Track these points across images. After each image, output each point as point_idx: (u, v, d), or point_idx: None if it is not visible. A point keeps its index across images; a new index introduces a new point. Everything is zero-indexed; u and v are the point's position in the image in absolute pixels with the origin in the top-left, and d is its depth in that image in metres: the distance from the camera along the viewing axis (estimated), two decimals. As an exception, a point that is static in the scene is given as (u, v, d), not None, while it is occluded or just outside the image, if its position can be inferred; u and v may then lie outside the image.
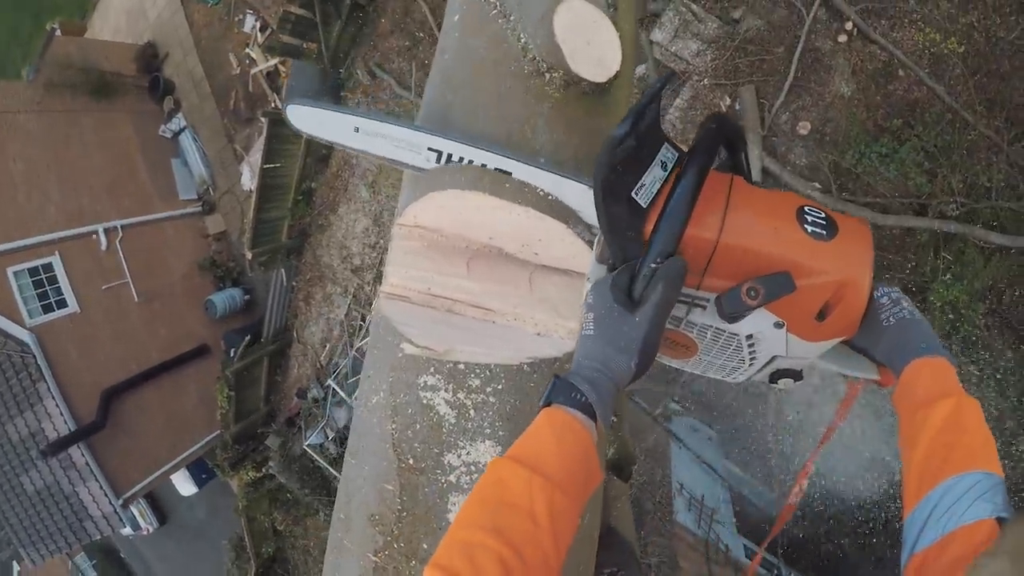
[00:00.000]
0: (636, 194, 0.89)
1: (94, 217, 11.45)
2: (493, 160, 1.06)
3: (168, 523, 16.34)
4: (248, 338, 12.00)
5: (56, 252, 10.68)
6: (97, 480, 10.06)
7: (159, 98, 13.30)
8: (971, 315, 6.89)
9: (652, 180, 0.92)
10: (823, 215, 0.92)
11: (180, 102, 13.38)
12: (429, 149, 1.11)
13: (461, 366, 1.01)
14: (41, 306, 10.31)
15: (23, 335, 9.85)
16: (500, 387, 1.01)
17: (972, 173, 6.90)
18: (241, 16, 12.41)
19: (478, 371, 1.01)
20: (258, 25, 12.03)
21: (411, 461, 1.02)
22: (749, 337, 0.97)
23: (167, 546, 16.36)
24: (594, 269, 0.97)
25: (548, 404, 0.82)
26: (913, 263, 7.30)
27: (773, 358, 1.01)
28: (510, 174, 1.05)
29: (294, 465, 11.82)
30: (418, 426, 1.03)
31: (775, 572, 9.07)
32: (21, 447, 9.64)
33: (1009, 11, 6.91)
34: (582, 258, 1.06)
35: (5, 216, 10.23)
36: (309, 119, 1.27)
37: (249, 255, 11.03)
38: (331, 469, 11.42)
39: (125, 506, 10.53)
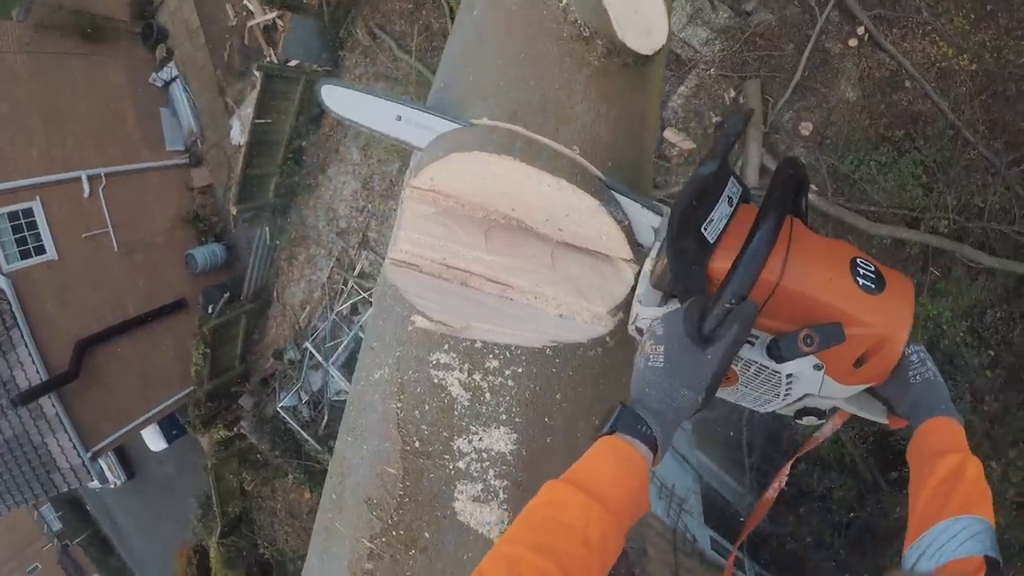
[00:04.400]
0: (705, 229, 0.93)
1: (78, 163, 11.12)
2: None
3: (136, 478, 16.21)
4: (227, 295, 11.84)
5: (37, 197, 10.36)
6: (67, 432, 9.88)
7: (151, 45, 12.91)
8: (953, 332, 6.97)
9: (720, 216, 0.95)
10: (873, 268, 0.96)
11: (173, 51, 13.01)
12: None
13: (479, 344, 0.94)
14: (19, 251, 10.00)
15: (-1, 280, 9.61)
16: (520, 371, 0.94)
17: (967, 192, 6.95)
18: (240, -35, 12.07)
19: (497, 352, 0.94)
20: (257, -24, 11.71)
21: (417, 444, 0.95)
22: (789, 376, 1.01)
23: (134, 501, 16.26)
24: (647, 293, 0.98)
25: (612, 431, 0.83)
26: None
27: (804, 395, 1.06)
28: (545, 142, 0.97)
29: (266, 426, 11.75)
30: (427, 407, 0.96)
31: (736, 565, 9.20)
32: (-9, 393, 9.43)
33: (1020, 34, 6.90)
34: (612, 240, 0.99)
35: (-12, 157, 9.92)
36: (345, 101, 1.22)
37: (234, 211, 10.85)
38: (303, 432, 11.37)
39: (94, 459, 10.38)
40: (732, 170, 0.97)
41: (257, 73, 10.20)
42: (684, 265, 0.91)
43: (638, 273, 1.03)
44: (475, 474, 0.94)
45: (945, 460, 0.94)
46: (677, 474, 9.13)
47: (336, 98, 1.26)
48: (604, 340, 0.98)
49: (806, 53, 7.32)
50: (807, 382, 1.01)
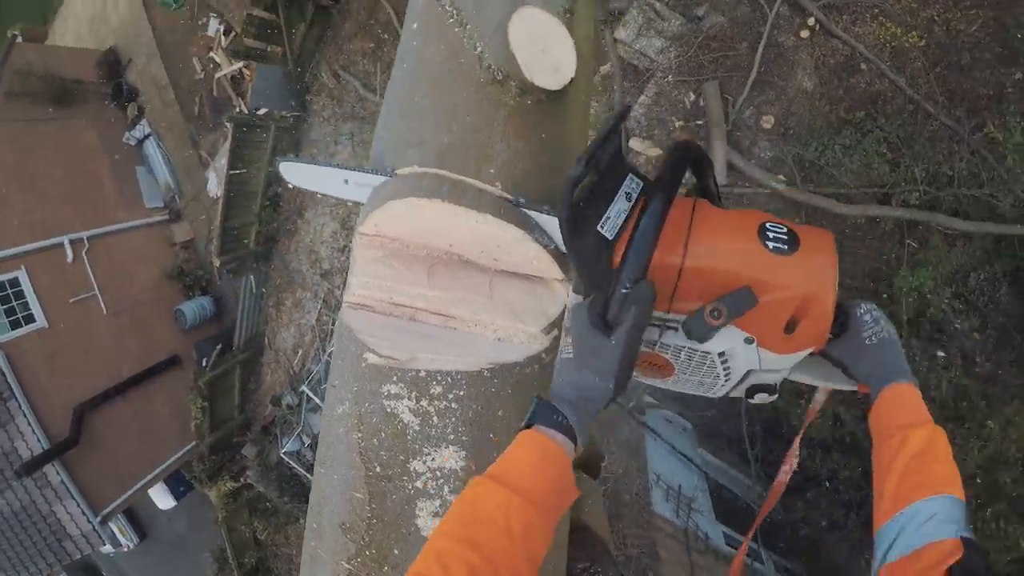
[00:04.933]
0: (602, 227, 0.93)
1: (59, 229, 11.18)
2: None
3: (148, 538, 16.06)
4: (219, 347, 11.85)
5: (22, 266, 10.42)
6: (74, 498, 9.86)
7: (122, 105, 13.05)
8: (937, 300, 7.05)
9: (617, 212, 0.95)
10: (785, 230, 0.95)
11: (144, 108, 13.15)
12: None
13: (423, 374, 1.03)
14: (8, 322, 10.04)
15: (-9, 353, 9.62)
16: (462, 393, 1.02)
17: (934, 162, 7.05)
18: (205, 19, 12.25)
19: (440, 378, 1.02)
20: (222, 29, 11.88)
21: (378, 469, 1.03)
22: (722, 355, 1.00)
23: (148, 561, 16.08)
24: (572, 299, 1.02)
25: (530, 425, 0.86)
26: (879, 251, 7.46)
27: (748, 373, 1.05)
28: (468, 182, 1.07)
29: (272, 473, 11.71)
30: (383, 434, 1.04)
31: (752, 556, 9.21)
32: (-5, 468, 9.41)
33: (968, 4, 7.09)
34: (541, 263, 1.08)
35: (-34, 231, 9.98)
36: (301, 173, 1.37)
37: (217, 262, 10.90)
38: (309, 476, 11.31)
39: (104, 523, 10.33)
40: (630, 167, 0.99)
41: (228, 124, 10.31)
42: (587, 265, 0.92)
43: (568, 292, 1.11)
44: (432, 492, 1.02)
45: (915, 433, 0.93)
46: (682, 474, 9.16)
47: (293, 172, 1.39)
48: (540, 357, 1.06)
49: (760, 49, 7.48)
50: (744, 359, 1.01)
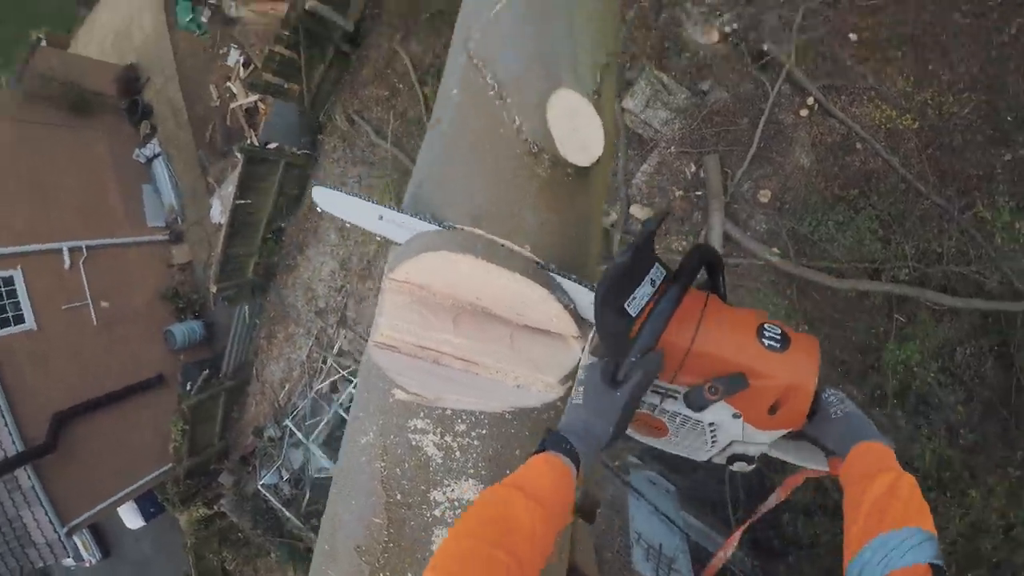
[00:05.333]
0: (628, 305, 1.07)
1: (61, 235, 11.26)
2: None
3: (112, 556, 15.66)
4: (206, 372, 11.81)
5: (18, 266, 10.46)
6: (43, 505, 9.68)
7: (136, 121, 13.30)
8: (924, 373, 7.18)
9: (642, 294, 1.09)
10: (779, 332, 1.11)
11: (157, 128, 13.38)
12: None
13: (449, 412, 1.13)
14: (-2, 319, 10.04)
15: (-26, 347, 9.57)
16: (484, 432, 1.13)
17: (924, 240, 7.25)
18: (226, 49, 12.57)
19: (464, 417, 1.12)
20: (242, 60, 12.20)
21: (399, 496, 1.12)
22: (712, 424, 1.16)
23: (108, 579, 15.63)
24: (587, 358, 1.17)
25: (542, 450, 1.00)
26: (868, 325, 7.60)
27: (731, 443, 1.21)
28: (502, 244, 1.18)
29: (247, 504, 11.54)
30: (406, 465, 1.13)
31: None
32: (-36, 465, 9.23)
33: (962, 88, 7.40)
34: (561, 321, 1.19)
35: (-31, 223, 10.00)
36: (335, 202, 1.46)
37: (214, 289, 10.95)
38: (285, 511, 11.15)
39: (70, 535, 10.11)
40: (656, 257, 1.15)
41: (239, 155, 10.48)
42: (610, 336, 1.07)
43: (584, 349, 1.23)
44: (449, 520, 1.11)
45: (879, 478, 0.98)
46: (664, 534, 9.10)
47: (327, 198, 1.49)
48: (555, 404, 1.17)
49: (760, 125, 7.77)
50: (729, 430, 1.17)
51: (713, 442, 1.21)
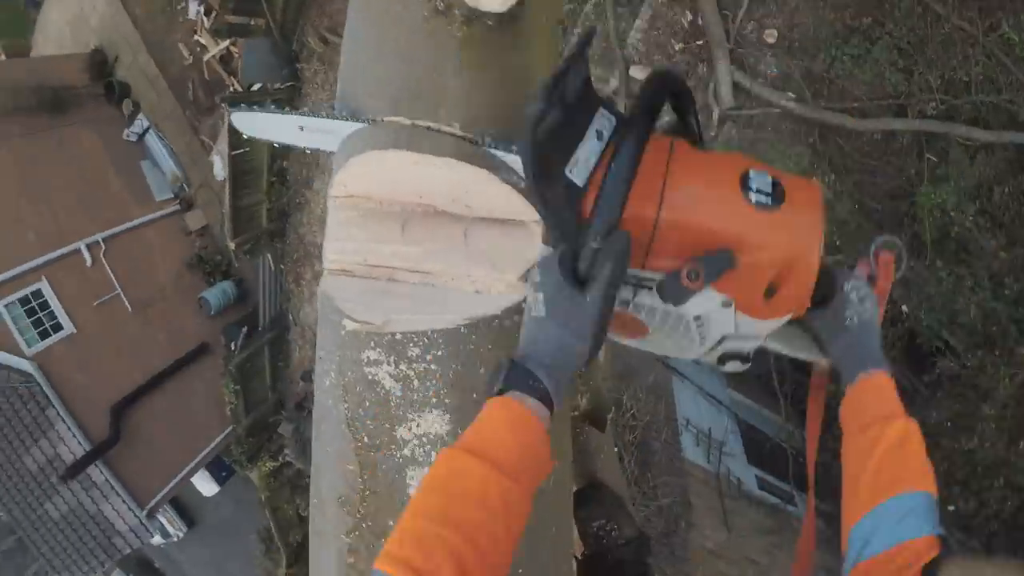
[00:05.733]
0: (570, 172, 0.85)
1: (74, 235, 11.33)
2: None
3: (197, 526, 16.58)
4: (246, 329, 12.00)
5: (43, 277, 10.62)
6: (119, 495, 10.20)
7: (117, 102, 13.01)
8: (961, 217, 6.83)
9: (587, 154, 0.87)
10: (769, 180, 0.86)
11: (139, 103, 13.11)
12: None
13: (399, 336, 0.97)
14: (37, 333, 10.30)
15: (24, 365, 9.87)
16: (440, 353, 0.97)
17: (949, 68, 6.77)
18: (183, 3, 12.10)
19: (416, 339, 0.97)
20: (202, 9, 11.72)
21: (366, 439, 0.99)
22: (697, 318, 0.94)
23: (199, 549, 16.59)
24: (542, 251, 0.95)
25: (502, 391, 0.81)
26: (898, 168, 7.21)
27: (723, 338, 0.99)
28: (427, 127, 0.99)
29: (309, 449, 11.91)
30: (367, 403, 0.99)
31: (785, 498, 9.18)
32: (41, 475, 9.74)
33: None
34: (514, 204, 1.01)
35: (-15, 252, 10.12)
36: (252, 122, 1.29)
37: (232, 245, 10.98)
38: (346, 448, 11.48)
39: (150, 516, 10.69)
40: (601, 100, 0.91)
41: (223, 106, 10.23)
42: (555, 214, 0.86)
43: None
44: (420, 459, 0.98)
45: (891, 426, 0.92)
46: (713, 417, 9.12)
47: (244, 121, 1.30)
48: (520, 308, 1.00)
49: (757, -40, 7.18)
50: (720, 322, 0.95)
51: (702, 339, 0.99)
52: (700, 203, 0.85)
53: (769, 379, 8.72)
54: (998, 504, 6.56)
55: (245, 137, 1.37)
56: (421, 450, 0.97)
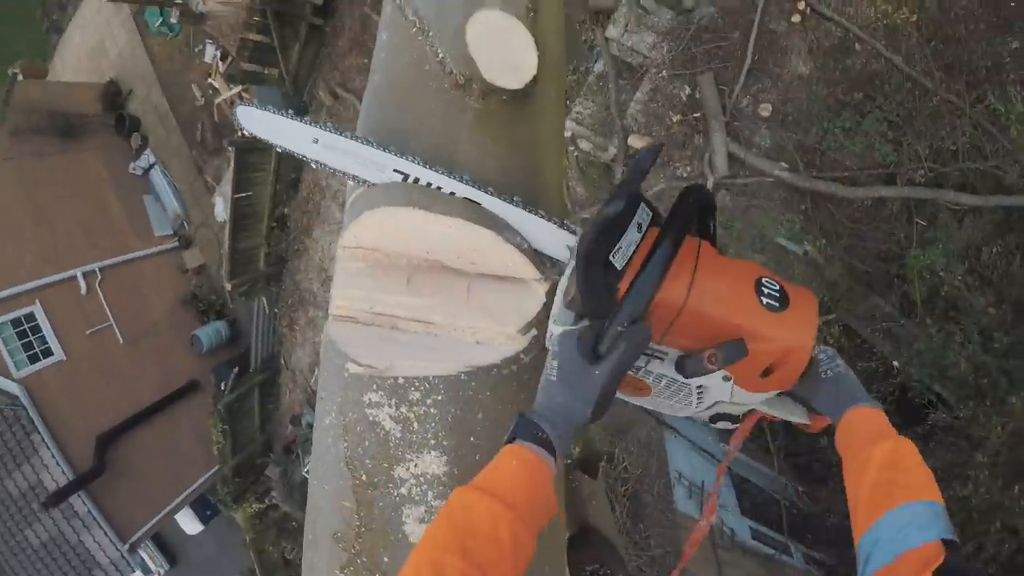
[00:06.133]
0: (613, 257, 0.97)
1: (72, 261, 11.35)
2: (459, 187, 1.08)
3: (179, 563, 16.07)
4: (236, 370, 11.93)
5: (37, 301, 10.59)
6: (101, 527, 9.99)
7: (126, 135, 13.24)
8: (950, 277, 6.94)
9: (628, 243, 0.99)
10: (778, 288, 1.02)
11: (147, 137, 13.33)
12: (395, 171, 1.12)
13: (401, 380, 1.03)
14: (27, 356, 10.21)
15: (11, 387, 9.78)
16: (440, 398, 1.03)
17: (937, 139, 6.96)
18: (201, 46, 12.40)
19: (417, 384, 1.03)
20: (218, 54, 12.02)
21: (364, 477, 1.04)
22: (700, 387, 1.08)
23: (180, 586, 16.14)
24: (561, 313, 1.03)
25: (512, 440, 0.89)
26: (888, 232, 7.36)
27: (716, 403, 1.13)
28: (441, 188, 1.07)
29: (296, 493, 11.75)
30: (367, 443, 1.05)
31: (780, 549, 9.09)
32: (22, 501, 9.55)
33: (956, -26, 7.02)
34: (516, 263, 1.08)
35: (-19, 268, 10.12)
36: (263, 123, 1.25)
37: (228, 287, 11.00)
38: (333, 493, 11.29)
39: (132, 550, 10.43)
40: (643, 197, 1.03)
41: (229, 149, 10.41)
42: (594, 293, 0.95)
43: (550, 290, 1.12)
44: (417, 498, 1.02)
45: (880, 446, 0.97)
46: (705, 470, 9.09)
47: (254, 120, 1.29)
48: (518, 358, 1.06)
49: (752, 37, 7.43)
50: (717, 392, 1.08)
51: (699, 402, 1.13)
52: (722, 299, 0.99)
53: (761, 433, 8.71)
54: (995, 547, 6.53)
55: (247, 134, 1.30)
56: (418, 489, 1.02)
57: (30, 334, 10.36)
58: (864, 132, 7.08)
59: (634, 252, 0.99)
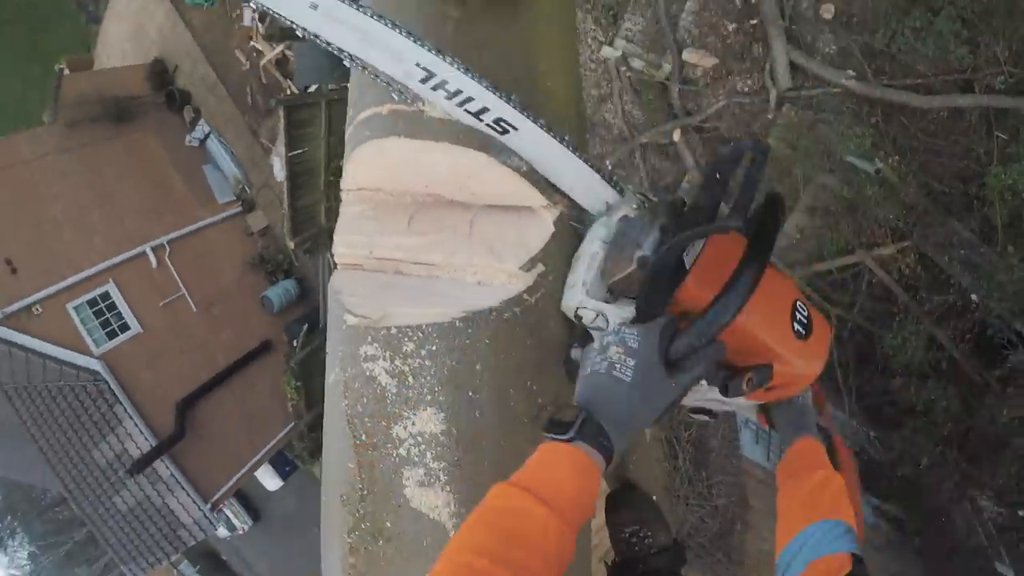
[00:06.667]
0: (686, 254, 0.96)
1: (140, 238, 11.72)
2: (505, 110, 0.92)
3: (262, 519, 16.97)
4: (307, 326, 12.21)
5: (110, 279, 11.02)
6: (184, 489, 10.51)
7: (178, 110, 13.46)
8: (1035, 200, 6.37)
9: (700, 241, 0.97)
10: (807, 315, 1.06)
11: (199, 109, 13.52)
12: (417, 65, 0.90)
13: (394, 331, 0.93)
14: (105, 333, 10.67)
15: (93, 364, 10.24)
16: (434, 348, 0.93)
17: (1017, 39, 6.30)
18: (239, 11, 12.37)
19: (411, 334, 0.93)
20: (256, 16, 11.96)
21: (364, 437, 0.96)
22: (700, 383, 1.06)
23: (264, 541, 17.02)
24: (595, 284, 0.97)
25: (572, 439, 0.82)
26: (965, 148, 6.77)
27: (707, 399, 1.19)
28: (423, 113, 0.95)
29: (367, 444, 12.08)
30: (365, 400, 0.96)
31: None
32: (109, 470, 10.06)
33: None
34: (519, 189, 0.96)
35: (56, 255, 10.55)
36: None
37: (292, 245, 11.15)
38: (407, 442, 11.59)
39: (215, 509, 10.98)
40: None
41: (279, 109, 10.41)
42: (659, 288, 0.92)
43: (559, 218, 0.99)
44: (416, 459, 0.94)
45: (815, 474, 1.11)
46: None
47: None
48: (522, 299, 0.95)
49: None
50: (712, 391, 1.07)
51: (692, 394, 1.10)
52: (764, 322, 0.99)
53: (832, 373, 8.32)
54: None
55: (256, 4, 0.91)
56: (416, 450, 0.93)
57: (107, 312, 10.81)
58: (936, 32, 6.45)
59: (701, 249, 0.96)
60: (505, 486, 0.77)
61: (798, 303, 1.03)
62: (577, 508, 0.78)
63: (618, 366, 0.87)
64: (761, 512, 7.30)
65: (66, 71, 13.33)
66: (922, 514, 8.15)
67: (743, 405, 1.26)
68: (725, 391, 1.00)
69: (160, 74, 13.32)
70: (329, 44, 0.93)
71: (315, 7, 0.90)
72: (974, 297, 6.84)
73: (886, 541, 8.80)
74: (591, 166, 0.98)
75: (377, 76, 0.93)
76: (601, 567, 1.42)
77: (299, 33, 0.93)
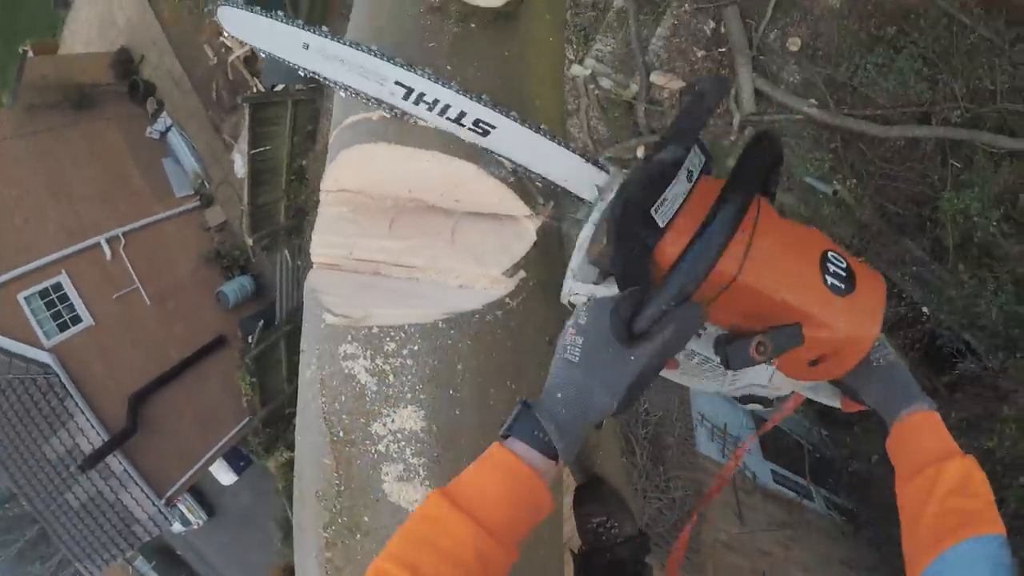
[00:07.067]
0: (655, 211, 0.80)
1: (94, 229, 11.47)
2: (477, 109, 0.94)
3: (216, 514, 16.73)
4: (262, 323, 12.07)
5: (63, 270, 10.75)
6: (137, 484, 10.30)
7: (141, 101, 13.19)
8: (984, 222, 6.68)
9: (675, 195, 0.82)
10: (845, 265, 0.86)
11: (163, 101, 13.28)
12: (397, 83, 0.95)
13: (376, 330, 0.96)
14: (56, 325, 10.39)
15: (43, 356, 9.98)
16: (416, 348, 0.95)
17: (975, 77, 6.61)
18: (210, 5, 12.15)
19: (392, 334, 0.95)
20: (229, 12, 11.79)
21: (341, 434, 0.98)
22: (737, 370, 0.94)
23: (219, 536, 16.76)
24: (582, 267, 0.89)
25: (506, 435, 0.75)
26: (921, 174, 7.08)
27: (750, 384, 1.01)
28: (415, 122, 0.98)
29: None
30: (343, 397, 0.98)
31: (802, 493, 9.07)
32: (60, 465, 9.83)
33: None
34: (504, 199, 0.99)
35: (7, 243, 10.25)
36: (248, 25, 1.07)
37: (250, 241, 11.06)
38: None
39: (169, 504, 10.79)
40: (697, 138, 0.85)
41: (244, 106, 10.32)
42: (628, 252, 0.80)
43: (542, 227, 1.02)
44: (395, 455, 0.96)
45: (948, 468, 0.87)
46: (728, 413, 9.02)
47: (236, 21, 1.10)
48: (504, 302, 0.98)
49: (779, -33, 7.08)
50: (753, 374, 0.96)
51: (732, 383, 1.00)
52: (782, 273, 0.83)
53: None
54: (1017, 503, 6.45)
55: (230, 35, 1.17)
56: (395, 446, 0.95)
57: (58, 303, 10.53)
58: (898, 69, 6.74)
59: (680, 206, 0.82)
60: (436, 492, 0.72)
61: (829, 253, 0.86)
62: (501, 516, 0.71)
63: (568, 347, 0.77)
64: (715, 504, 7.49)
65: (30, 54, 12.94)
66: (873, 506, 8.43)
67: (810, 388, 1.06)
68: (725, 358, 0.85)
69: (125, 63, 13.07)
70: (326, 80, 1.00)
71: (307, 46, 0.99)
72: (925, 309, 7.16)
73: (840, 532, 9.11)
74: (572, 150, 0.96)
75: (368, 100, 0.99)
76: (568, 555, 1.45)
77: (300, 73, 1.01)
